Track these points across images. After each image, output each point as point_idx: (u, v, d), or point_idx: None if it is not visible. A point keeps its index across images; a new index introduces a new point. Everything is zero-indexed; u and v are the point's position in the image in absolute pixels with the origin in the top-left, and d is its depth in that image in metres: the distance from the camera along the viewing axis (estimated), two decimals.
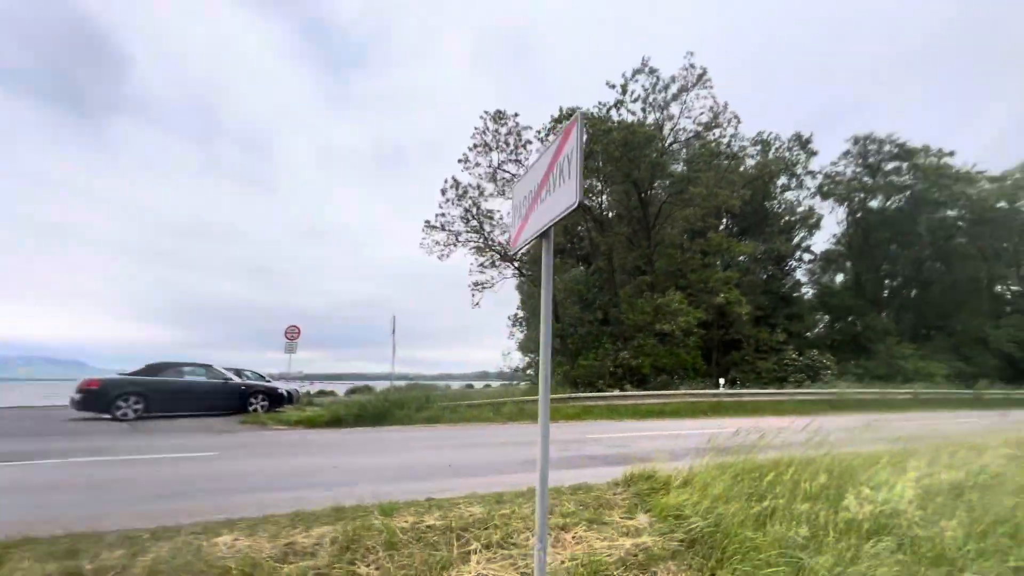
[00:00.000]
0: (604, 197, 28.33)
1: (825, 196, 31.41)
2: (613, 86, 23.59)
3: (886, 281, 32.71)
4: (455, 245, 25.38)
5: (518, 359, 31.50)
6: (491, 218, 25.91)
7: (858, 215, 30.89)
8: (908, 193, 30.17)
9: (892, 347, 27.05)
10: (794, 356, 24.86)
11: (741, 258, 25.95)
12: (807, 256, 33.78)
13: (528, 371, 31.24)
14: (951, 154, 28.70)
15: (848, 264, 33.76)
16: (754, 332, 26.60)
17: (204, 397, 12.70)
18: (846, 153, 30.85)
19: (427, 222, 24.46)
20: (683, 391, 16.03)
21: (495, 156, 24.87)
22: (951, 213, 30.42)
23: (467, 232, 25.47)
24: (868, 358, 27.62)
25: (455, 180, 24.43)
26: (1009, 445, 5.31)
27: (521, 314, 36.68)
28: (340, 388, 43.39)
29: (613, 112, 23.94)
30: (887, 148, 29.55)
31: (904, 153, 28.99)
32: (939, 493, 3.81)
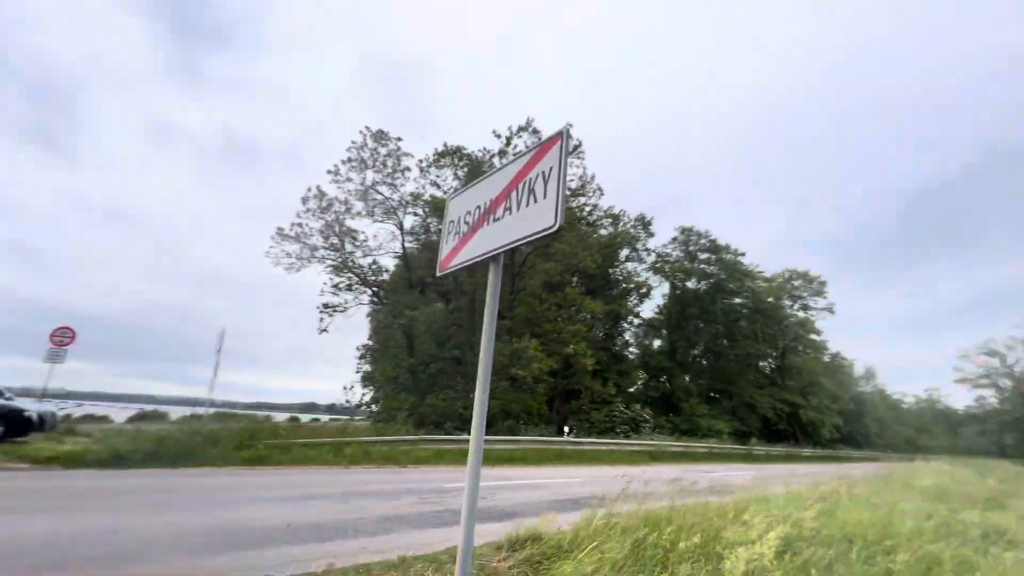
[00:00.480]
0: None
1: (656, 272, 36.82)
2: (499, 136, 24.68)
3: (691, 350, 39.08)
4: (309, 260, 22.95)
5: (361, 394, 29.03)
6: (355, 238, 24.26)
7: (677, 292, 36.76)
8: (712, 280, 37.15)
9: (694, 406, 32.00)
10: (622, 409, 27.62)
11: (588, 316, 28.40)
12: (636, 321, 38.90)
13: (373, 407, 28.96)
14: (743, 254, 36.40)
15: (665, 332, 39.68)
16: (592, 384, 29.00)
17: None
18: (674, 239, 36.91)
19: (280, 230, 21.77)
20: (530, 437, 16.34)
21: (370, 175, 23.67)
22: (738, 301, 38.31)
23: (325, 248, 23.32)
24: (676, 414, 32.17)
25: (320, 191, 22.43)
26: (822, 498, 6.33)
27: (371, 344, 34.39)
28: (119, 413, 34.86)
29: (496, 160, 24.88)
30: (702, 240, 36.23)
31: (713, 247, 35.86)
32: (787, 549, 4.21)
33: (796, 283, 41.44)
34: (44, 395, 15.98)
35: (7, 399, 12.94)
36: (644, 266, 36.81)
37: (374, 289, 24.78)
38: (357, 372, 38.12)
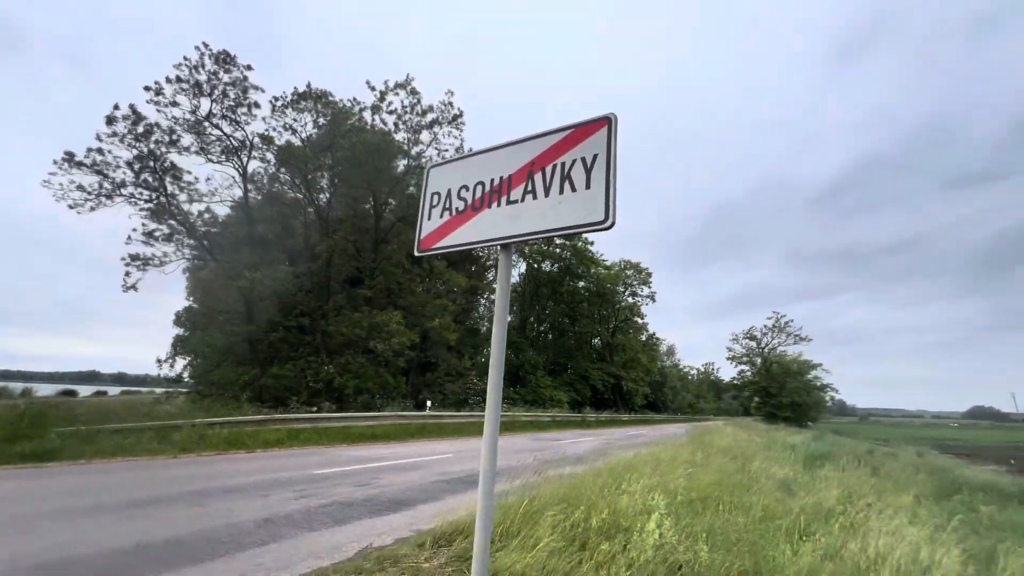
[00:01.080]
0: (330, 195, 26.16)
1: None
2: (373, 88, 22.60)
3: (539, 326, 42.18)
4: (110, 198, 18.12)
5: (180, 365, 24.52)
6: (179, 178, 19.97)
7: (534, 271, 39.03)
8: (564, 263, 40.37)
9: (539, 378, 34.73)
10: (475, 381, 28.52)
11: (453, 289, 28.36)
12: (491, 296, 40.45)
13: (191, 379, 24.73)
14: (592, 243, 40.20)
15: (516, 308, 42.03)
16: (447, 357, 29.26)
17: None
18: None
19: (69, 155, 16.67)
20: (390, 413, 15.84)
21: (205, 104, 19.59)
22: (582, 284, 42.49)
23: (136, 185, 18.69)
24: (522, 386, 34.53)
25: (135, 112, 17.72)
26: (683, 463, 7.39)
27: (193, 306, 29.32)
28: None
29: (367, 114, 22.80)
30: None
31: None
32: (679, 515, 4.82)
33: (628, 272, 47.48)
34: None
35: None
36: None
37: (204, 243, 20.80)
38: (176, 339, 32.60)
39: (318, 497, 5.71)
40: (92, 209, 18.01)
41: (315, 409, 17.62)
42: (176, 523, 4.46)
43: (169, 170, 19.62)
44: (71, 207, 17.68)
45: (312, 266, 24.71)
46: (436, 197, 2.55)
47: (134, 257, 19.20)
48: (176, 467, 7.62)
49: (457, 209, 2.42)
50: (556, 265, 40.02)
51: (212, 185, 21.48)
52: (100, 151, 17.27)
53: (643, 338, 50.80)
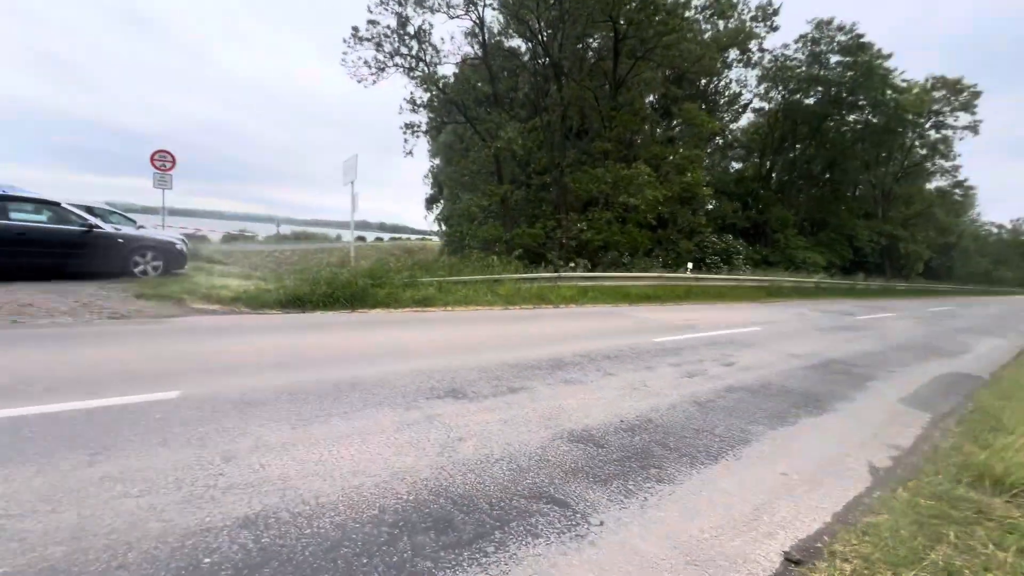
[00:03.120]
0: (561, 38, 23.82)
1: (768, 80, 30.89)
2: None
3: (790, 176, 35.13)
4: (383, 70, 19.83)
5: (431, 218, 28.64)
6: (426, 40, 20.41)
7: (792, 104, 31.17)
8: (839, 90, 30.91)
9: (789, 237, 30.03)
10: (713, 240, 26.04)
11: (708, 136, 24.56)
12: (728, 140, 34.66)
13: (446, 232, 28.82)
14: (888, 56, 29.34)
15: (760, 154, 35.24)
16: (681, 212, 27.05)
17: (55, 253, 8.30)
18: (801, 37, 29.77)
19: (355, 31, 18.29)
20: (656, 274, 15.47)
21: None
22: (853, 118, 32.34)
23: (399, 55, 19.90)
24: (764, 245, 30.49)
25: None
26: None
27: (442, 167, 32.88)
28: (210, 233, 36.57)
29: None
30: (839, 38, 29.04)
31: (853, 47, 28.78)
32: None
33: (937, 94, 34.28)
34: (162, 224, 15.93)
35: (139, 227, 12.75)
36: (754, 72, 30.93)
37: (461, 105, 21.76)
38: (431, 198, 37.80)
39: (719, 377, 5.52)
40: (374, 82, 20.18)
41: (580, 268, 18.59)
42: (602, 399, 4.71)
43: (421, 34, 20.22)
44: (359, 82, 20.11)
45: (547, 118, 24.13)
46: None
47: (408, 125, 21.51)
48: (535, 318, 8.60)
49: None
50: (826, 93, 30.89)
51: (455, 44, 21.61)
52: (373, 23, 18.53)
53: (943, 185, 38.34)
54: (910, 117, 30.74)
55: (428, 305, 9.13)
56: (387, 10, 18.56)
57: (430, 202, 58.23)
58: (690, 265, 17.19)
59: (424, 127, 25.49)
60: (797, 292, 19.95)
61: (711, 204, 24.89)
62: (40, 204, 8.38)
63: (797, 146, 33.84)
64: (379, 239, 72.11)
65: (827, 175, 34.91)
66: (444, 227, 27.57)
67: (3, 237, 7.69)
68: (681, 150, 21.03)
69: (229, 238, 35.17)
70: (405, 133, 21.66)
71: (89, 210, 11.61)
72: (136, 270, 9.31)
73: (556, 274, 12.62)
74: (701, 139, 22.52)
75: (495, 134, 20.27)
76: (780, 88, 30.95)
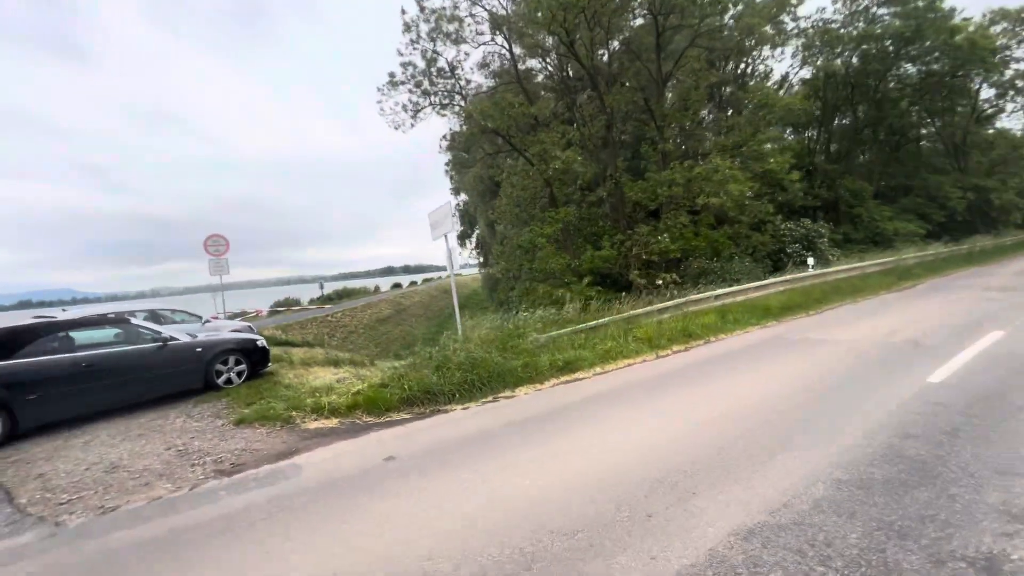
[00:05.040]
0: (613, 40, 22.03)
1: (810, 48, 28.59)
2: None
3: (852, 142, 32.29)
4: (421, 110, 18.69)
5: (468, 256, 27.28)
6: (455, 73, 19.26)
7: (844, 67, 28.65)
8: (890, 45, 28.30)
9: (872, 209, 27.15)
10: (790, 226, 23.48)
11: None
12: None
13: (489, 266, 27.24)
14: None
15: (817, 126, 32.54)
16: (751, 203, 24.67)
17: (129, 380, 6.86)
18: None
19: (392, 76, 17.26)
20: (788, 276, 13.23)
21: None
22: (915, 69, 29.53)
23: (436, 91, 18.76)
24: (839, 223, 27.61)
25: (422, 5, 16.92)
26: None
27: (477, 198, 31.42)
28: (260, 305, 36.29)
29: None
30: None
31: None
32: None
33: (999, 29, 31.15)
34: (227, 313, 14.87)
35: (204, 322, 11.52)
36: (790, 45, 28.61)
37: (506, 134, 20.36)
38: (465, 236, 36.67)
39: None
40: (412, 126, 19.06)
41: (669, 283, 16.54)
42: None
43: (451, 68, 19.12)
44: (396, 128, 19.01)
45: (588, 130, 22.48)
46: None
47: (453, 160, 20.21)
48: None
49: None
50: (881, 49, 28.23)
51: (483, 74, 20.42)
52: (409, 64, 17.48)
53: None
54: (983, 57, 27.67)
55: (574, 370, 7.27)
56: (416, 49, 17.52)
57: (462, 237, 57.30)
58: (811, 260, 14.84)
59: (449, 163, 24.27)
60: (923, 268, 17.24)
61: (800, 189, 22.17)
62: (107, 324, 7.04)
63: (857, 113, 31.11)
64: (414, 283, 71.70)
65: (895, 137, 31.92)
66: (499, 262, 25.76)
67: (72, 373, 6.30)
68: (759, 134, 18.81)
69: (275, 310, 34.58)
70: (452, 170, 20.36)
71: (154, 316, 10.40)
72: (220, 380, 7.84)
73: (683, 299, 10.59)
74: (770, 120, 20.22)
75: (544, 157, 18.68)
76: (827, 53, 28.55)
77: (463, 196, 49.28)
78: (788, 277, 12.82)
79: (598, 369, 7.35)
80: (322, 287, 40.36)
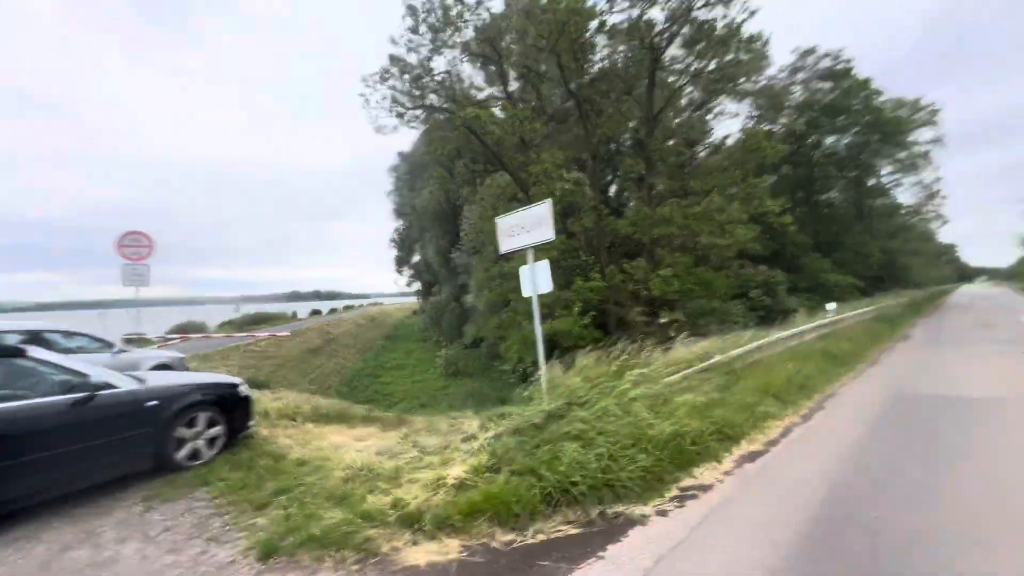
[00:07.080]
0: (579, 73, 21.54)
1: (762, 108, 30.84)
2: None
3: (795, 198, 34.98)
4: (418, 111, 16.34)
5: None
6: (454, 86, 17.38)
7: (793, 131, 31.19)
8: (822, 115, 31.41)
9: (814, 262, 28.97)
10: (751, 271, 24.11)
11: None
12: None
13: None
14: (869, 79, 30.35)
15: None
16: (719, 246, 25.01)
17: (22, 461, 3.66)
18: (793, 67, 30.34)
19: (385, 69, 14.81)
20: (826, 321, 12.49)
21: None
22: (832, 140, 33.12)
23: (435, 87, 16.54)
24: (792, 272, 29.16)
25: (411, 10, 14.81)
26: None
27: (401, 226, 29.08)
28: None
29: None
30: (823, 63, 29.85)
31: (837, 73, 29.53)
32: None
33: (900, 113, 36.22)
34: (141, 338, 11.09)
35: (116, 351, 8.09)
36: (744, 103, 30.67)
37: (497, 151, 18.48)
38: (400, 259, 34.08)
39: None
40: (394, 128, 16.57)
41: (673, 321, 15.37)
42: None
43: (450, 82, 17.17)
44: (377, 130, 16.42)
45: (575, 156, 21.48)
46: None
47: (397, 182, 17.84)
48: None
49: None
50: (806, 116, 31.17)
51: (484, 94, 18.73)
52: (402, 61, 15.16)
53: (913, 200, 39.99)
54: (895, 135, 31.72)
55: (694, 463, 5.21)
56: (412, 49, 15.35)
57: (398, 263, 53.50)
58: (833, 305, 14.46)
59: (392, 186, 21.87)
60: (904, 314, 17.90)
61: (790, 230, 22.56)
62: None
63: (796, 170, 33.89)
64: (334, 310, 63.60)
65: (822, 196, 35.16)
66: (486, 291, 22.57)
67: None
68: (763, 179, 18.90)
69: (168, 337, 28.39)
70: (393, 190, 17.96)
71: (35, 341, 6.82)
72: (181, 454, 4.75)
73: (765, 339, 9.15)
74: (758, 165, 20.58)
75: (542, 179, 17.11)
76: (771, 114, 30.95)
77: (400, 222, 46.11)
78: (817, 323, 12.10)
79: (761, 437, 5.45)
80: (237, 310, 34.63)
